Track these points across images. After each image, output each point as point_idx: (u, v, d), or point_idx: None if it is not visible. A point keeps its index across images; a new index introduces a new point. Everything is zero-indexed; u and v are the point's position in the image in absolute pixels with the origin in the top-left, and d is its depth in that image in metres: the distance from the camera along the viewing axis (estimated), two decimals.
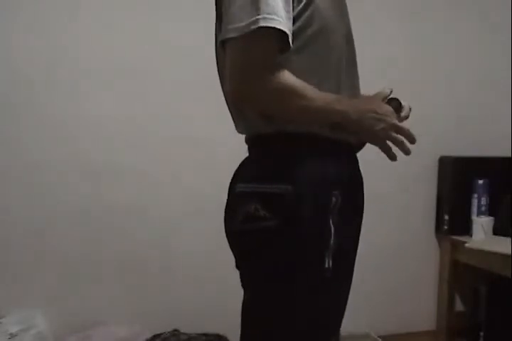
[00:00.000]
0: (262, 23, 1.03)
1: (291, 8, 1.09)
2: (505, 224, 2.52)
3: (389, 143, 1.14)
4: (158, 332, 2.21)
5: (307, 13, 1.12)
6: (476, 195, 2.60)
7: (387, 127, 1.12)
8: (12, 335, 2.01)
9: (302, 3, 1.11)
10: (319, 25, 1.13)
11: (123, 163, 2.28)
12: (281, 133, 1.14)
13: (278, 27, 1.04)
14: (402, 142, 1.14)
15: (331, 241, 1.10)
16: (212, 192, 2.11)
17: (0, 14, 2.13)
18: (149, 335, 2.19)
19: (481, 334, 2.56)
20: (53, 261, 2.21)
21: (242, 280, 1.20)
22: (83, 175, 2.25)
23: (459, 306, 2.77)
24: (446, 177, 2.66)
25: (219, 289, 2.32)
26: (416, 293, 2.73)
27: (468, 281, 2.68)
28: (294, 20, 1.10)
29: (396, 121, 1.14)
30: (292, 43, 1.08)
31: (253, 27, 1.03)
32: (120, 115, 2.27)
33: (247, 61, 1.06)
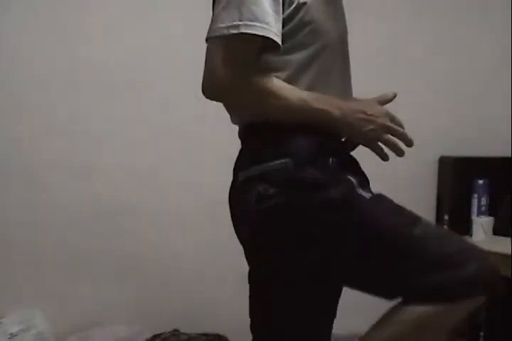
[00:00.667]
0: (243, 30, 1.04)
1: (280, 7, 1.08)
2: (505, 224, 2.51)
3: (381, 144, 1.14)
4: (158, 332, 2.21)
5: (298, 16, 1.11)
6: (476, 195, 2.60)
7: (377, 128, 1.11)
8: (12, 335, 2.01)
9: (293, 6, 1.10)
10: (311, 27, 1.13)
11: (123, 163, 2.28)
12: (269, 121, 1.14)
13: (259, 34, 1.04)
14: (395, 144, 1.13)
15: (354, 182, 1.12)
16: (213, 193, 2.11)
17: (0, 14, 2.14)
18: (149, 335, 2.19)
19: (481, 334, 2.56)
20: (53, 261, 2.21)
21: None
22: (83, 175, 2.24)
23: None
24: (446, 177, 2.66)
25: (219, 289, 2.32)
26: None
27: None
28: (285, 22, 1.10)
29: (388, 122, 1.13)
30: (282, 43, 1.08)
31: (233, 31, 1.04)
32: (121, 115, 2.28)
33: (222, 61, 1.06)
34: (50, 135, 2.21)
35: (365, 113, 1.11)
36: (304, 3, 1.11)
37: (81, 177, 2.24)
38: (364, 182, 1.16)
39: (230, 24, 1.05)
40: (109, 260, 2.28)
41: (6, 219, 2.17)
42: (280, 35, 1.08)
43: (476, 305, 1.08)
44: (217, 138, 2.32)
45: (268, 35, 1.05)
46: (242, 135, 1.24)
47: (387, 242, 1.09)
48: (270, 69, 1.11)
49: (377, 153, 1.17)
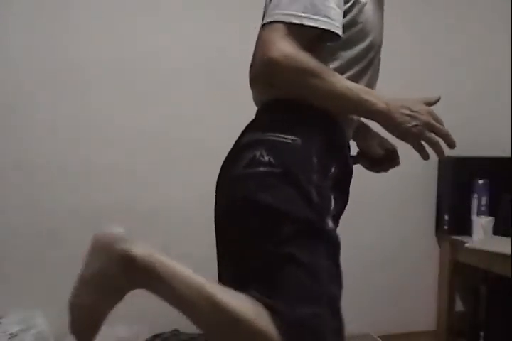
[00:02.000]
0: (306, 22, 1.07)
1: (341, 1, 1.12)
2: (505, 224, 2.51)
3: (423, 142, 1.14)
4: (158, 332, 2.21)
5: (353, 13, 1.16)
6: (476, 195, 2.60)
7: (420, 124, 1.12)
8: (12, 335, 2.00)
9: (350, 3, 1.15)
10: (361, 26, 1.17)
11: (124, 163, 2.28)
12: (292, 100, 1.14)
13: (321, 27, 1.08)
14: (437, 142, 1.14)
15: (332, 204, 1.11)
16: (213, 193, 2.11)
17: (0, 14, 2.14)
18: (149, 335, 2.19)
19: (481, 334, 2.56)
20: (53, 261, 2.21)
21: (221, 241, 1.22)
22: (83, 175, 2.25)
23: (459, 306, 2.77)
24: (446, 177, 2.66)
25: None
26: (416, 293, 2.73)
27: (468, 281, 2.68)
28: (344, 15, 1.14)
29: (432, 120, 1.13)
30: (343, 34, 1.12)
31: (295, 21, 1.07)
32: (121, 115, 2.28)
33: (278, 39, 1.07)
34: (51, 135, 2.21)
35: (409, 109, 1.12)
36: (360, 2, 1.16)
37: (81, 177, 2.24)
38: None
39: (292, 13, 1.08)
40: None
41: (6, 219, 2.17)
42: (341, 27, 1.11)
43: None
44: (217, 138, 2.32)
45: (330, 28, 1.09)
46: (260, 112, 1.24)
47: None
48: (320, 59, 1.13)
49: (418, 151, 1.16)
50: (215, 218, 1.22)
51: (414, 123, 1.12)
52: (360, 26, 1.17)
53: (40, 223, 2.20)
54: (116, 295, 1.14)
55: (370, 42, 1.21)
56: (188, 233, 2.36)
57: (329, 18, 1.09)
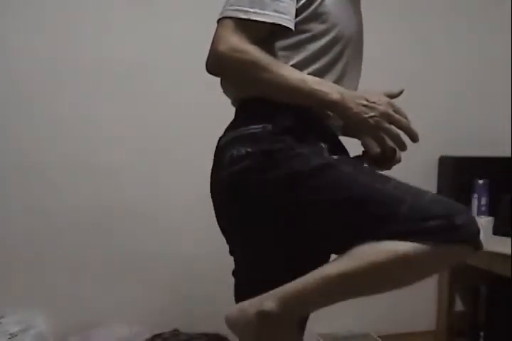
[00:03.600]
0: (253, 17, 1.09)
1: None
2: (505, 224, 2.51)
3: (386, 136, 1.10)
4: (158, 332, 2.21)
5: (313, 6, 1.15)
6: (476, 195, 2.60)
7: (378, 115, 1.06)
8: (12, 335, 2.00)
9: None
10: (324, 18, 1.16)
11: (124, 163, 2.28)
12: (260, 99, 1.15)
13: (269, 21, 1.09)
14: (397, 135, 1.08)
15: (323, 146, 1.11)
16: None
17: (0, 14, 2.14)
18: (149, 335, 2.19)
19: (481, 334, 2.56)
20: (53, 261, 2.21)
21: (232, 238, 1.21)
22: (82, 175, 2.25)
23: (459, 306, 2.77)
24: (446, 177, 2.66)
25: (219, 289, 2.31)
26: (416, 293, 2.71)
27: (468, 281, 2.68)
28: (299, 11, 1.14)
29: (391, 111, 1.08)
30: (294, 32, 1.13)
31: (242, 16, 1.09)
32: (122, 115, 2.27)
33: (225, 35, 1.10)
34: (50, 135, 2.21)
35: (366, 99, 1.08)
36: None
37: (80, 177, 2.24)
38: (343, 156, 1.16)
39: (240, 8, 1.10)
40: (109, 260, 2.28)
41: (6, 219, 2.17)
42: (293, 20, 1.12)
43: (459, 255, 1.02)
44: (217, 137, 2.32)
45: (278, 22, 1.10)
46: (236, 112, 1.27)
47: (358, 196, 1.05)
48: (278, 54, 1.14)
49: (379, 144, 1.13)
50: (227, 225, 1.22)
51: (371, 113, 1.06)
52: (323, 18, 1.16)
53: (40, 223, 2.20)
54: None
55: (336, 34, 1.18)
56: (188, 233, 2.35)
57: (277, 11, 1.10)
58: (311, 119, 1.16)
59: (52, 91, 2.20)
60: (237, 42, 1.08)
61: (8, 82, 2.16)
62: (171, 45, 2.32)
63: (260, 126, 1.12)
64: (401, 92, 1.18)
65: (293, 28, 1.13)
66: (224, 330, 2.19)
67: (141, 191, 2.31)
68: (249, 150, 1.10)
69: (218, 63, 1.11)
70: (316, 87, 1.08)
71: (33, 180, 2.19)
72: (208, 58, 1.14)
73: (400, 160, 1.33)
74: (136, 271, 2.31)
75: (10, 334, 2.00)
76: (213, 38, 1.12)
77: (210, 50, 1.12)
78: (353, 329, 2.43)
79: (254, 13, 1.09)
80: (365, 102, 1.07)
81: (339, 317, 2.37)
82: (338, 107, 1.09)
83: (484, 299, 2.57)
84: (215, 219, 1.26)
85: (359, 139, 1.37)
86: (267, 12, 1.09)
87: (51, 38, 2.19)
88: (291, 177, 1.07)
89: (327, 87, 1.09)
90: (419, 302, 2.72)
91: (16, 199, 2.19)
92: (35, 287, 2.20)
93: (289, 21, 1.11)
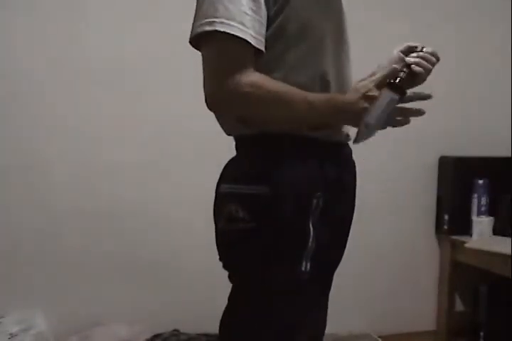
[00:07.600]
0: (219, 28, 1.02)
1: (260, 5, 1.06)
2: (505, 224, 2.52)
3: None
4: (158, 332, 2.21)
5: (284, 14, 1.09)
6: (476, 195, 2.60)
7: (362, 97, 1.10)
8: (12, 335, 2.00)
9: (277, 4, 1.08)
10: (298, 25, 1.10)
11: (124, 163, 2.28)
12: (259, 134, 1.13)
13: (236, 34, 1.02)
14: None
15: (309, 244, 1.09)
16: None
17: (0, 14, 2.14)
18: (149, 335, 2.19)
19: (481, 334, 2.56)
20: (53, 261, 2.21)
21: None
22: (82, 175, 2.25)
23: (459, 306, 2.77)
24: (447, 177, 2.66)
25: (219, 289, 2.31)
26: (416, 293, 2.73)
27: (468, 281, 2.68)
28: (272, 20, 1.08)
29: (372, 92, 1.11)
30: (272, 43, 1.07)
31: (208, 28, 1.03)
32: (122, 115, 2.28)
33: (209, 72, 1.08)
34: (50, 135, 2.21)
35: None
36: (287, 1, 1.09)
37: (80, 177, 2.24)
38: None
39: (204, 21, 1.04)
40: (109, 260, 2.28)
41: (6, 219, 2.17)
42: (258, 36, 1.05)
43: None
44: (218, 137, 2.32)
45: (244, 37, 1.03)
46: (235, 143, 1.23)
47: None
48: (263, 71, 1.08)
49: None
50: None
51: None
52: (296, 25, 1.10)
53: (40, 222, 2.20)
54: None
55: (318, 37, 1.14)
56: (188, 233, 2.36)
57: (243, 24, 1.03)
58: (310, 167, 1.13)
59: (53, 91, 2.20)
60: (225, 76, 1.04)
61: (8, 82, 2.16)
62: (171, 45, 2.32)
63: (259, 188, 1.09)
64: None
65: (264, 50, 1.07)
66: None
67: (141, 191, 2.31)
68: (246, 216, 1.09)
69: (214, 104, 1.10)
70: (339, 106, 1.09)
71: (33, 180, 2.19)
72: (206, 96, 1.10)
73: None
74: (137, 271, 2.31)
75: (10, 334, 2.01)
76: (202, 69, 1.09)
77: (204, 87, 1.09)
78: (353, 330, 2.43)
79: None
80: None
81: (339, 318, 2.38)
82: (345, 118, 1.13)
83: (484, 299, 2.57)
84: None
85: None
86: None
87: (51, 38, 2.19)
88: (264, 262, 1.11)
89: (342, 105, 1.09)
90: (419, 302, 2.72)
91: (16, 200, 2.19)
92: (35, 287, 2.20)
93: (260, 42, 1.06)
